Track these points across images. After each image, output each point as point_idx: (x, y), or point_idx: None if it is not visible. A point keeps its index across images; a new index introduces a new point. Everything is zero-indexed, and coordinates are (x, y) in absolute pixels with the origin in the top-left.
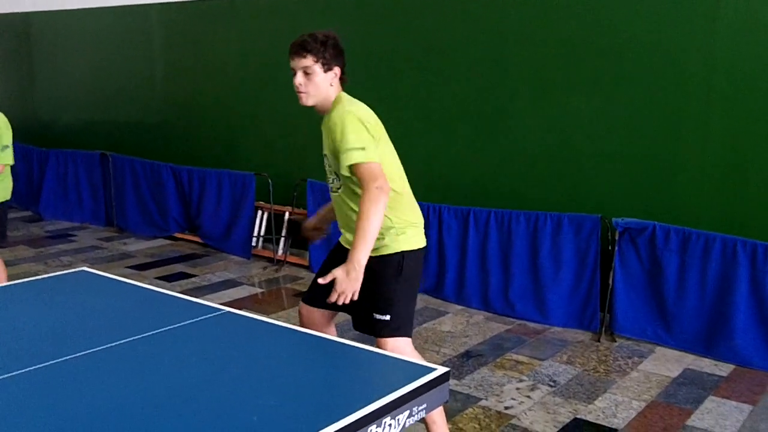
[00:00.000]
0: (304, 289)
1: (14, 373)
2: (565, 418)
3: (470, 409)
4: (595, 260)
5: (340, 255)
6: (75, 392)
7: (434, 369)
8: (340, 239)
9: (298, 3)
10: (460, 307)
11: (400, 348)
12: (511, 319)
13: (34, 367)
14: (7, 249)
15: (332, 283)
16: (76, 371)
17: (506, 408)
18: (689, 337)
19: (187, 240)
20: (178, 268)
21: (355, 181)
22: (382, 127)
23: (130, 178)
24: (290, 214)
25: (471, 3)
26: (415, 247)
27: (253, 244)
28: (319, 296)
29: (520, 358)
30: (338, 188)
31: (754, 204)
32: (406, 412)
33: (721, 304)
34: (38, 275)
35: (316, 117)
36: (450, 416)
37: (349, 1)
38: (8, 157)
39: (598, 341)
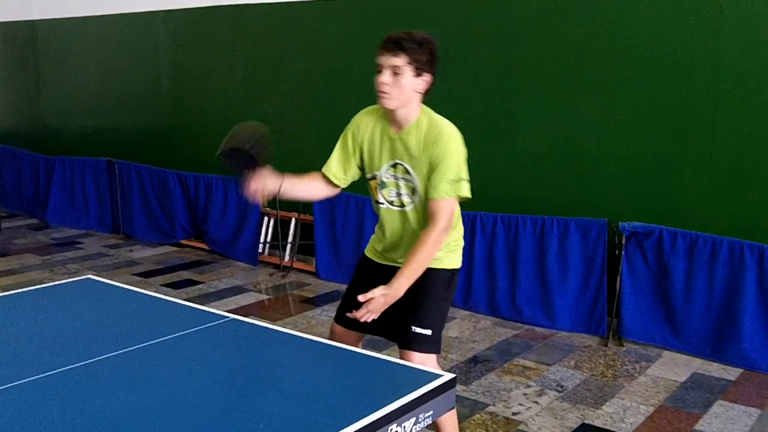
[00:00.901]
0: (311, 296)
1: (21, 382)
2: (573, 423)
3: (477, 415)
4: (602, 264)
5: (375, 272)
6: (81, 400)
7: (441, 375)
8: (372, 253)
9: (302, 8)
10: (467, 313)
11: (431, 364)
12: (519, 324)
13: (40, 376)
14: (13, 256)
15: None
16: (81, 380)
17: (514, 414)
18: (697, 342)
19: (194, 246)
20: (185, 275)
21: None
22: None
23: (137, 184)
24: (297, 219)
25: (475, 5)
26: (460, 266)
27: (260, 250)
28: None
29: (528, 363)
30: (406, 205)
31: (761, 207)
32: (413, 419)
33: (729, 308)
34: (44, 283)
35: (321, 122)
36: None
37: (354, 5)
38: None
39: (606, 346)
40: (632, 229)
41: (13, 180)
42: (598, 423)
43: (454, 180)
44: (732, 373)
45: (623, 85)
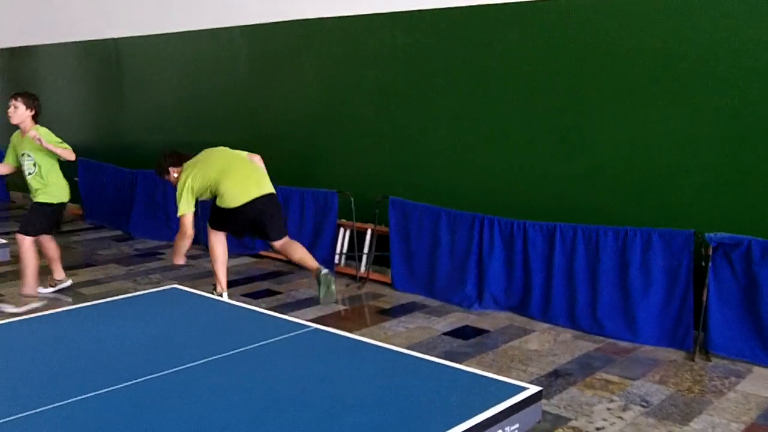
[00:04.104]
0: (387, 307)
1: (112, 389)
2: None
3: (560, 430)
4: (688, 277)
5: None
6: (171, 408)
7: (526, 388)
8: None
9: (373, 21)
10: (546, 325)
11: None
12: (600, 338)
13: (130, 383)
14: (99, 267)
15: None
16: (171, 387)
17: (597, 429)
18: None
19: (272, 258)
20: (264, 285)
21: None
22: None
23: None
24: (373, 230)
25: (550, 16)
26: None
27: (336, 261)
28: None
29: (610, 377)
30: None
31: None
32: None
33: None
34: (129, 293)
35: (395, 135)
36: None
37: (428, 17)
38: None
39: (692, 360)
40: (719, 240)
41: (98, 193)
42: None
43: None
44: None
45: (704, 91)
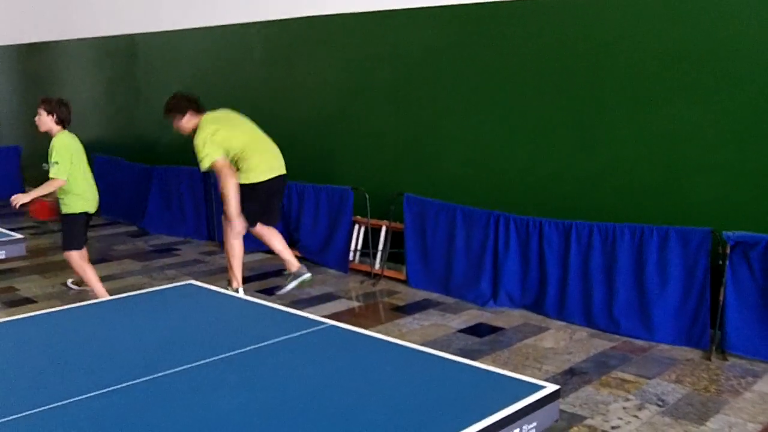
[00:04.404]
0: (401, 304)
1: (128, 384)
2: None
3: (575, 428)
4: (705, 275)
5: None
6: (187, 404)
7: (543, 387)
8: None
9: (389, 18)
10: (561, 323)
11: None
12: (616, 336)
13: (147, 378)
14: (114, 262)
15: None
16: (186, 383)
17: (613, 428)
18: None
19: None
20: (278, 281)
21: None
22: None
23: None
24: (387, 227)
25: (566, 12)
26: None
27: (351, 258)
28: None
29: (626, 376)
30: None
31: None
32: (516, 431)
33: None
34: (144, 288)
35: (410, 131)
36: None
37: (444, 13)
38: (56, 172)
39: (709, 360)
40: (737, 238)
41: (114, 189)
42: None
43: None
44: None
45: (722, 87)
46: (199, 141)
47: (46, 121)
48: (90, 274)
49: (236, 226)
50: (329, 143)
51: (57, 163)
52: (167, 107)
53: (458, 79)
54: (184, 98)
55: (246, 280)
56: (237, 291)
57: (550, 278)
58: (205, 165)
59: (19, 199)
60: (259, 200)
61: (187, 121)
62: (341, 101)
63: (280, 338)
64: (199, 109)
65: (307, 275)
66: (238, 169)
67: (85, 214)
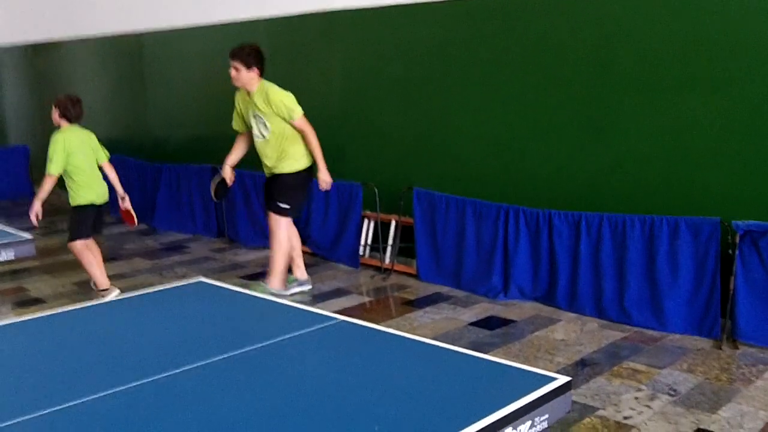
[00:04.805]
0: (412, 298)
1: (140, 382)
2: (687, 428)
3: (588, 419)
4: (715, 265)
5: (268, 182)
6: (199, 401)
7: (555, 378)
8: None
9: (397, 13)
10: (572, 315)
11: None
12: (627, 327)
13: (159, 376)
14: (124, 261)
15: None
16: (200, 380)
17: (625, 418)
18: None
19: None
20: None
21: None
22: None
23: (240, 190)
24: (397, 221)
25: (576, 5)
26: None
27: (361, 252)
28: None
29: (638, 366)
30: (266, 136)
31: None
32: (528, 422)
33: None
34: (155, 286)
35: (419, 126)
36: (567, 426)
37: (452, 8)
38: (48, 168)
39: (720, 349)
40: (747, 227)
41: (122, 187)
42: (714, 428)
43: (292, 108)
44: None
45: (733, 78)
46: (286, 96)
47: (54, 116)
48: (89, 259)
49: (329, 180)
50: (338, 139)
51: (50, 159)
52: (243, 51)
53: (467, 74)
54: (261, 55)
55: (257, 276)
56: (290, 288)
57: (560, 270)
58: (299, 113)
59: (35, 211)
60: (307, 186)
61: (248, 77)
62: (350, 96)
63: (292, 334)
64: (262, 74)
65: (309, 287)
66: (288, 157)
67: (93, 205)
